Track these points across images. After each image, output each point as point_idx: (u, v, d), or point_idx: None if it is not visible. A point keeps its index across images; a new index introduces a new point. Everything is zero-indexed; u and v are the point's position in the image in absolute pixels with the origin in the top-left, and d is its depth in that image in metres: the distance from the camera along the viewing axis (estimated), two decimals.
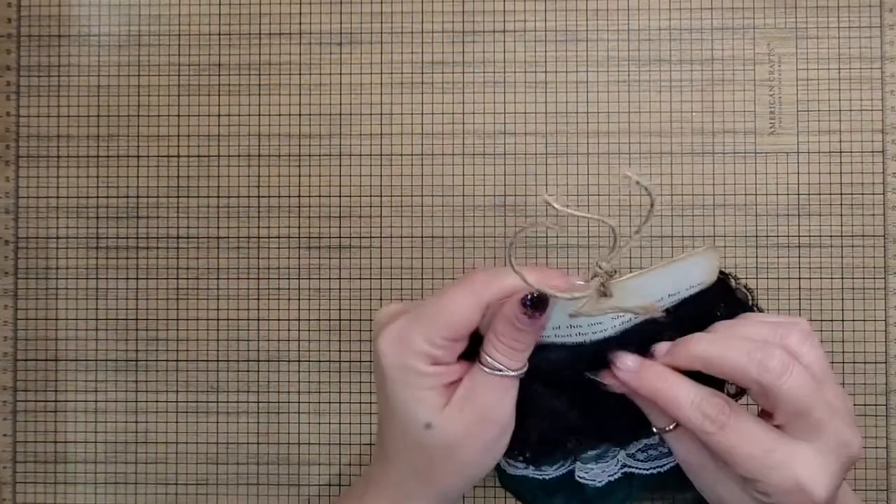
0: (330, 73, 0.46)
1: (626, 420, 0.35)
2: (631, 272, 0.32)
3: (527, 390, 0.34)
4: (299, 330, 0.46)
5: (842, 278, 0.45)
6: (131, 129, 0.46)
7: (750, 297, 0.37)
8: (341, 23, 0.46)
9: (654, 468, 0.37)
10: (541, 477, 0.38)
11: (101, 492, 0.46)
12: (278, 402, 0.46)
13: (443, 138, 0.46)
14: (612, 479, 0.37)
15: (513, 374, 0.32)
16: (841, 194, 0.45)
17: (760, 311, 0.37)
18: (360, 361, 0.46)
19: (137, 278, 0.46)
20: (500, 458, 0.34)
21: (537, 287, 0.30)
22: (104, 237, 0.46)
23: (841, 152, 0.45)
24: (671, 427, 0.34)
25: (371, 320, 0.45)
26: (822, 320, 0.45)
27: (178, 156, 0.46)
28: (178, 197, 0.46)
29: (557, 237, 0.45)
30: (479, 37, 0.46)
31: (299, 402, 0.46)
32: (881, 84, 0.45)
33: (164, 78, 0.46)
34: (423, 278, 0.45)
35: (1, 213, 0.46)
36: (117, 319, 0.46)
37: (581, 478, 0.37)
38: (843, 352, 0.45)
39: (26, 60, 0.46)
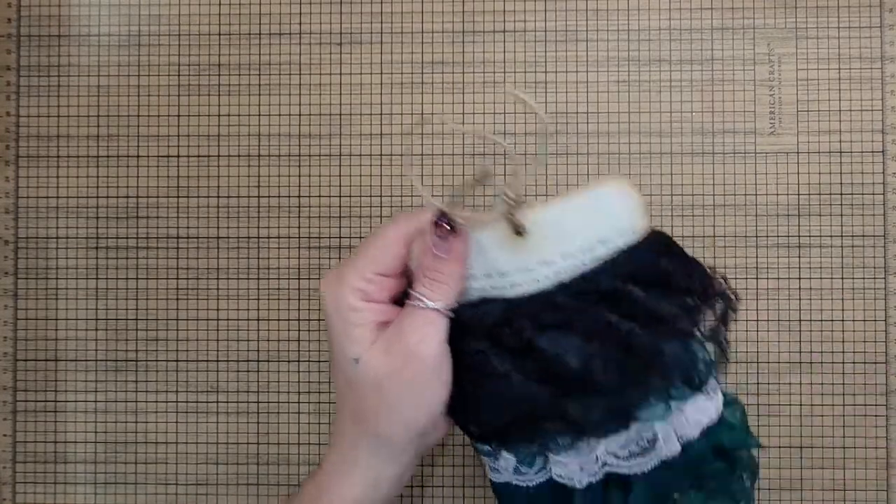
0: (330, 73, 0.46)
1: (598, 400, 0.34)
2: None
3: (471, 354, 0.34)
4: (299, 330, 0.46)
5: (842, 278, 0.45)
6: (131, 129, 0.46)
7: (726, 287, 0.36)
8: (341, 23, 0.46)
9: (639, 465, 0.36)
10: (524, 485, 0.37)
11: (101, 492, 0.46)
12: (278, 402, 0.46)
13: (443, 138, 0.46)
14: (593, 479, 0.35)
15: (434, 306, 0.33)
16: (841, 194, 0.45)
17: (735, 300, 0.37)
18: None
19: (137, 278, 0.46)
20: (439, 417, 0.34)
21: (446, 210, 0.32)
22: (104, 237, 0.46)
23: (841, 152, 0.45)
24: None
25: None
26: (822, 320, 0.45)
27: (178, 156, 0.46)
28: (178, 197, 0.46)
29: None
30: (479, 37, 0.46)
31: (299, 403, 0.46)
32: (881, 84, 0.45)
33: (164, 78, 0.46)
34: None
35: (1, 213, 0.46)
36: (117, 319, 0.46)
37: (558, 476, 0.36)
38: (843, 352, 0.45)
39: (26, 60, 0.46)
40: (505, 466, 0.36)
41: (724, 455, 0.37)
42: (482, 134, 0.32)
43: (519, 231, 0.33)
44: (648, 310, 0.33)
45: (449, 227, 0.33)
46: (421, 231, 0.34)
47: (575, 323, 0.33)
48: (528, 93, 0.46)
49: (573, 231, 0.33)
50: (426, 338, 0.33)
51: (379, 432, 0.34)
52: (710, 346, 0.35)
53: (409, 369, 0.33)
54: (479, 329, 0.34)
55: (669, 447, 0.35)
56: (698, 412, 0.35)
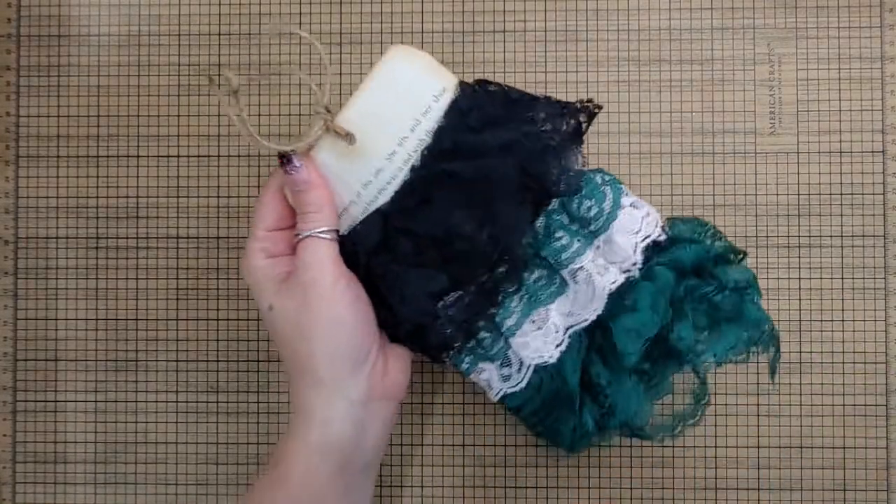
0: (330, 73, 0.46)
1: (481, 256, 0.35)
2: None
3: (373, 268, 0.36)
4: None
5: (842, 278, 0.45)
6: (131, 129, 0.46)
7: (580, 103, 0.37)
8: (341, 23, 0.46)
9: (591, 312, 0.36)
10: (518, 388, 0.37)
11: (101, 492, 0.46)
12: (278, 402, 0.46)
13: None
14: (560, 346, 0.36)
15: (314, 233, 0.35)
16: (841, 194, 0.45)
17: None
18: None
19: (137, 278, 0.46)
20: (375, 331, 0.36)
21: (276, 148, 0.35)
22: (104, 237, 0.46)
23: (841, 152, 0.45)
24: None
25: None
26: (822, 320, 0.45)
27: (178, 156, 0.46)
28: (178, 197, 0.46)
29: None
30: (479, 37, 0.46)
31: None
32: (881, 84, 0.45)
33: (164, 78, 0.46)
34: None
35: (1, 213, 0.46)
36: (117, 319, 0.46)
37: (531, 359, 0.36)
38: (843, 352, 0.45)
39: (26, 60, 0.46)
40: (488, 378, 0.38)
41: (702, 272, 0.37)
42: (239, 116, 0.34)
43: (348, 138, 0.35)
44: (487, 146, 0.35)
45: (289, 161, 0.35)
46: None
47: (433, 195, 0.35)
48: (530, 91, 0.46)
49: (392, 115, 0.35)
50: (316, 264, 0.35)
51: (308, 369, 0.35)
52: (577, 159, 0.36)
53: (310, 299, 0.34)
54: (369, 243, 0.36)
55: (607, 279, 0.36)
56: (624, 232, 0.36)
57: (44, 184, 0.46)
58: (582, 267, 0.36)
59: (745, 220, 0.45)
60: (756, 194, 0.45)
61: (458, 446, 0.45)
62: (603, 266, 0.36)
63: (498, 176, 0.35)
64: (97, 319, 0.46)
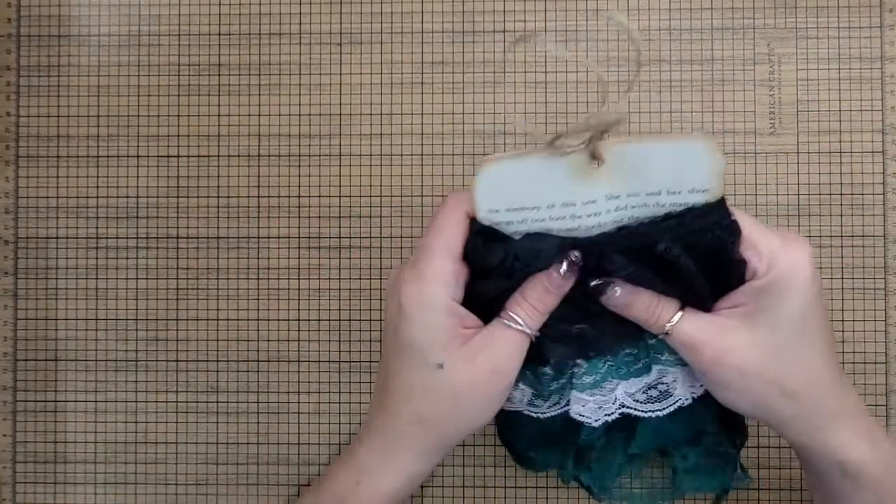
0: (330, 73, 0.46)
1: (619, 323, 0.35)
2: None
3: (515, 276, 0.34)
4: (299, 330, 0.46)
5: (842, 278, 0.45)
6: (131, 129, 0.46)
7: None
8: (341, 23, 0.46)
9: (654, 411, 0.37)
10: (535, 415, 0.38)
11: (101, 492, 0.46)
12: (278, 402, 0.46)
13: (443, 138, 0.46)
14: (608, 417, 0.37)
15: (529, 331, 0.34)
16: (841, 194, 0.45)
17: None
18: (360, 361, 0.46)
19: (137, 278, 0.46)
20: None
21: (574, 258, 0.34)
22: (104, 237, 0.46)
23: (841, 152, 0.45)
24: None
25: (371, 320, 0.45)
26: None
27: (178, 156, 0.46)
28: (178, 197, 0.46)
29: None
30: (479, 37, 0.46)
31: (299, 403, 0.46)
32: (881, 84, 0.45)
33: (164, 78, 0.46)
34: None
35: (1, 213, 0.46)
36: (117, 319, 0.46)
37: (577, 414, 0.37)
38: (843, 352, 0.45)
39: (26, 60, 0.46)
40: (520, 398, 0.37)
41: (721, 420, 0.39)
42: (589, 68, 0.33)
43: (598, 160, 0.32)
44: (687, 279, 0.34)
45: (573, 266, 0.33)
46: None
47: (630, 266, 0.34)
48: (530, 91, 0.46)
49: (648, 172, 0.33)
50: (512, 358, 0.34)
51: (445, 435, 0.34)
52: None
53: (490, 384, 0.33)
54: (533, 259, 0.34)
55: (682, 394, 0.37)
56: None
57: (44, 184, 0.46)
58: (673, 372, 0.37)
59: None
60: (756, 194, 0.45)
61: (458, 446, 0.45)
62: (686, 381, 0.37)
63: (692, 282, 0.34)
64: (97, 319, 0.46)
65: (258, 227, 0.46)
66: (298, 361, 0.46)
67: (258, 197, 0.46)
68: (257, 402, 0.46)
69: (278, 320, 0.46)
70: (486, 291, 0.34)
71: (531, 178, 0.32)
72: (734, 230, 0.34)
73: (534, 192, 0.32)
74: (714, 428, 0.39)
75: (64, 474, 0.46)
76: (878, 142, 0.45)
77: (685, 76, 0.45)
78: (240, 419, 0.46)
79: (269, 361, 0.46)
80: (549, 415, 0.38)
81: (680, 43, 0.46)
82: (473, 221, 0.33)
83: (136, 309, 0.46)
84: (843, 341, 0.45)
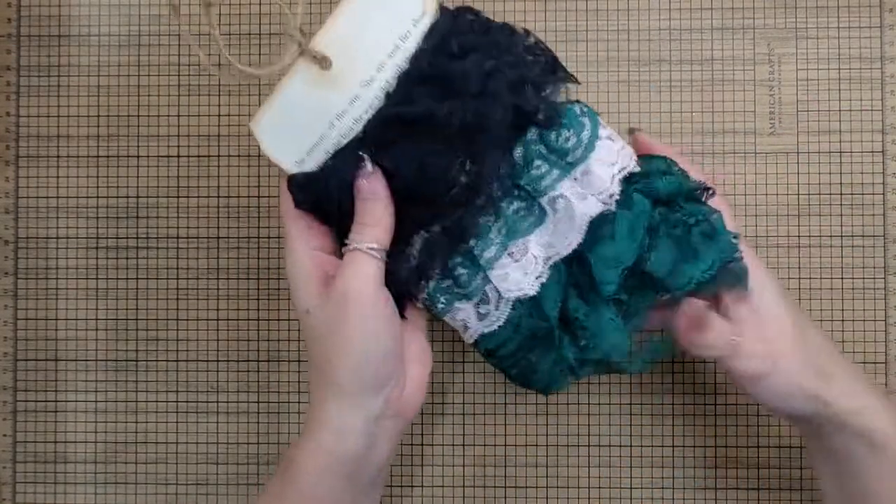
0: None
1: (449, 198, 0.34)
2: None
3: (347, 208, 0.35)
4: (299, 330, 0.46)
5: (842, 278, 0.45)
6: (131, 129, 0.46)
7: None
8: None
9: (567, 246, 0.36)
10: (495, 326, 0.36)
11: (101, 492, 0.46)
12: (278, 402, 0.46)
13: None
14: (541, 278, 0.36)
15: (362, 247, 0.34)
16: (841, 194, 0.45)
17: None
18: None
19: (137, 278, 0.46)
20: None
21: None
22: (104, 237, 0.46)
23: (841, 152, 0.45)
24: None
25: None
26: (822, 320, 0.45)
27: (178, 156, 0.46)
28: (178, 197, 0.46)
29: None
30: None
31: (299, 403, 0.46)
32: (881, 84, 0.45)
33: (164, 78, 0.46)
34: None
35: (1, 213, 0.46)
36: (117, 319, 0.46)
37: (510, 292, 0.36)
38: (843, 352, 0.45)
39: (26, 60, 0.46)
40: (467, 318, 0.37)
41: (671, 204, 0.37)
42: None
43: (324, 62, 0.33)
44: (468, 73, 0.34)
45: (363, 164, 0.34)
46: None
47: (408, 129, 0.34)
48: None
49: (369, 39, 0.34)
50: (357, 279, 0.34)
51: (334, 379, 0.34)
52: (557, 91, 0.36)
53: (345, 312, 0.34)
54: (343, 178, 0.34)
55: (588, 207, 0.35)
56: (601, 164, 0.35)
57: (44, 184, 0.46)
58: (562, 195, 0.35)
59: (744, 220, 0.45)
60: (756, 194, 0.45)
61: (458, 446, 0.45)
62: (581, 195, 0.35)
63: (484, 116, 0.34)
64: (97, 319, 0.46)
65: (258, 227, 0.46)
66: (299, 361, 0.46)
67: (258, 197, 0.46)
68: (257, 402, 0.46)
69: (278, 320, 0.46)
70: (342, 229, 0.35)
71: (294, 116, 0.34)
72: (471, 24, 0.35)
73: (309, 127, 0.34)
74: (667, 212, 0.37)
75: (64, 474, 0.46)
76: (878, 142, 0.45)
77: (685, 76, 0.45)
78: (240, 419, 0.46)
79: (269, 361, 0.46)
80: (502, 318, 0.36)
81: (680, 43, 0.46)
82: (289, 180, 0.35)
83: (136, 309, 0.46)
84: (843, 341, 0.45)
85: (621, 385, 0.45)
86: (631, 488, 0.45)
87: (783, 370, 0.36)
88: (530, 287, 0.36)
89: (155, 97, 0.46)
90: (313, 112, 0.34)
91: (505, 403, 0.45)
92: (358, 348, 0.34)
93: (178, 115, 0.46)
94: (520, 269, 0.36)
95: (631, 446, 0.45)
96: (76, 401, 0.46)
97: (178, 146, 0.46)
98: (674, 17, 0.46)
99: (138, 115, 0.46)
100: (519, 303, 0.36)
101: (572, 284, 0.36)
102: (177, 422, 0.46)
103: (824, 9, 0.45)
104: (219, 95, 0.46)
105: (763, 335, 0.36)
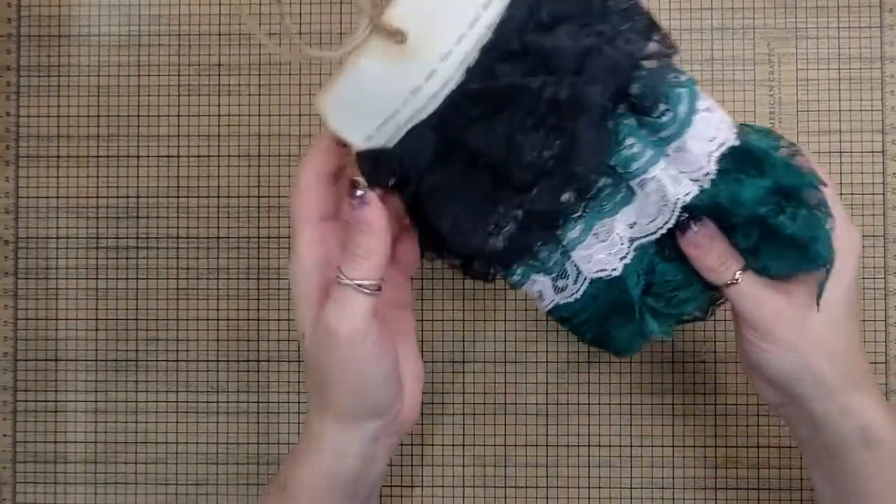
0: (330, 73, 0.46)
1: (547, 180, 0.31)
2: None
3: (418, 189, 0.31)
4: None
5: None
6: (131, 129, 0.46)
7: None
8: (341, 23, 0.46)
9: (665, 223, 0.33)
10: (572, 299, 0.34)
11: (101, 492, 0.46)
12: (278, 402, 0.46)
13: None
14: (626, 259, 0.33)
15: (352, 283, 0.31)
16: (841, 194, 0.45)
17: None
18: None
19: (137, 278, 0.46)
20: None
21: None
22: (104, 237, 0.46)
23: (841, 152, 0.45)
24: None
25: None
26: None
27: (178, 156, 0.46)
28: (178, 197, 0.46)
29: None
30: None
31: (299, 403, 0.46)
32: (881, 84, 0.45)
33: (164, 78, 0.46)
34: (422, 278, 0.45)
35: (1, 213, 0.46)
36: (117, 319, 0.46)
37: (593, 273, 0.33)
38: None
39: (26, 60, 0.46)
40: (543, 290, 0.35)
41: (779, 191, 0.33)
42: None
43: (398, 36, 0.29)
44: (562, 51, 0.30)
45: (356, 191, 0.31)
46: (322, 155, 0.33)
47: (494, 104, 0.30)
48: None
49: (449, 8, 0.30)
50: (344, 321, 0.32)
51: (331, 403, 0.34)
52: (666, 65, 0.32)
53: (334, 350, 0.32)
54: (422, 159, 0.31)
55: (680, 189, 0.32)
56: (698, 140, 0.32)
57: (44, 184, 0.46)
58: (654, 177, 0.32)
59: None
60: None
61: (458, 446, 0.45)
62: (674, 177, 0.32)
63: (581, 96, 0.30)
64: (97, 319, 0.46)
65: (258, 227, 0.46)
66: (299, 361, 0.46)
67: (258, 197, 0.46)
68: (257, 402, 0.46)
69: (278, 320, 0.46)
70: (418, 201, 0.32)
71: (365, 92, 0.31)
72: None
73: (381, 103, 0.31)
74: (773, 200, 0.33)
75: (64, 474, 0.46)
76: (878, 142, 0.45)
77: None
78: (240, 419, 0.46)
79: (269, 361, 0.46)
80: (581, 290, 0.34)
81: (680, 43, 0.45)
82: (358, 156, 0.32)
83: (136, 309, 0.46)
84: None
85: (621, 385, 0.45)
86: (631, 488, 0.45)
87: (797, 338, 0.34)
88: (614, 268, 0.34)
89: (155, 97, 0.46)
90: (386, 88, 0.31)
91: (505, 403, 0.45)
92: (350, 384, 0.33)
93: (178, 115, 0.46)
94: (605, 249, 0.33)
95: (631, 446, 0.45)
96: (76, 401, 0.46)
97: (178, 146, 0.46)
98: (674, 17, 0.46)
99: (138, 115, 0.46)
100: (599, 277, 0.34)
101: (664, 259, 0.35)
102: (177, 422, 0.46)
103: (824, 9, 0.45)
104: (219, 95, 0.46)
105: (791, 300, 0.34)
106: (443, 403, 0.45)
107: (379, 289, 0.32)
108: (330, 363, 0.32)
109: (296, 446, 0.36)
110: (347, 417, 0.34)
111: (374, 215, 0.31)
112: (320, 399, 0.34)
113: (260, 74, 0.46)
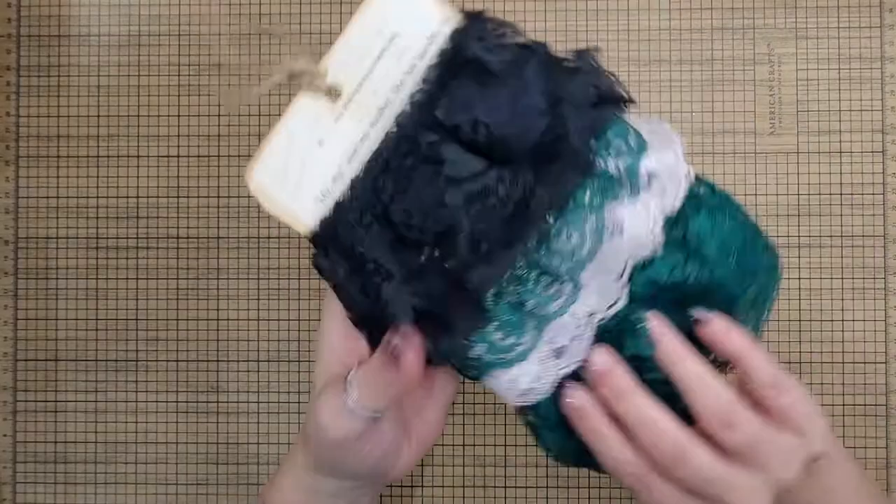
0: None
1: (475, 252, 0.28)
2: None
3: (359, 265, 0.29)
4: (299, 330, 0.46)
5: (842, 278, 0.45)
6: (131, 129, 0.46)
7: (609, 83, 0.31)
8: (341, 23, 0.46)
9: (610, 304, 0.29)
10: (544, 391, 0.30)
11: (101, 492, 0.46)
12: (278, 402, 0.46)
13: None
14: (589, 341, 0.29)
15: (357, 408, 0.30)
16: (841, 194, 0.45)
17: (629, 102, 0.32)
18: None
19: (137, 278, 0.46)
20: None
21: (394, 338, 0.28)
22: (104, 237, 0.46)
23: (841, 152, 0.45)
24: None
25: None
26: (822, 320, 0.45)
27: (178, 156, 0.46)
28: (178, 197, 0.46)
29: None
30: None
31: (299, 403, 0.46)
32: (881, 84, 0.45)
33: (164, 78, 0.46)
34: None
35: (1, 213, 0.46)
36: (117, 319, 0.46)
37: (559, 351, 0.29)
38: (843, 352, 0.45)
39: (26, 60, 0.46)
40: (538, 376, 0.31)
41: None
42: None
43: (330, 92, 0.29)
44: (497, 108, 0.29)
45: (395, 343, 0.29)
46: None
47: (411, 169, 0.29)
48: None
49: (372, 54, 0.29)
50: (335, 425, 0.30)
51: (314, 456, 0.33)
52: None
53: (320, 433, 0.31)
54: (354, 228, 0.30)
55: (639, 246, 0.29)
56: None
57: (44, 184, 0.46)
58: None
59: None
60: (756, 194, 0.45)
61: (458, 446, 0.45)
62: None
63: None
64: (97, 319, 0.46)
65: (258, 227, 0.46)
66: (298, 361, 0.46)
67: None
68: (257, 402, 0.46)
69: (278, 320, 0.46)
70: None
71: (305, 149, 0.30)
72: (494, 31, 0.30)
73: (324, 161, 0.30)
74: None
75: (64, 474, 0.46)
76: (878, 142, 0.45)
77: (685, 76, 0.45)
78: (240, 419, 0.46)
79: (268, 361, 0.46)
80: (526, 350, 0.29)
81: (680, 43, 0.46)
82: (312, 242, 0.30)
83: (136, 309, 0.46)
84: (843, 341, 0.45)
85: None
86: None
87: None
88: (585, 351, 0.30)
89: (155, 97, 0.46)
90: (329, 145, 0.30)
91: (505, 403, 0.45)
92: (334, 461, 0.32)
93: (178, 115, 0.46)
94: (568, 335, 0.30)
95: None
96: (76, 401, 0.46)
97: (178, 146, 0.46)
98: (674, 17, 0.46)
99: (138, 115, 0.46)
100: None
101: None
102: (177, 422, 0.46)
103: (824, 9, 0.45)
104: (219, 95, 0.46)
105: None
106: None
107: (379, 415, 0.30)
108: (317, 440, 0.32)
109: (276, 471, 0.36)
110: (327, 473, 0.33)
111: (406, 366, 0.29)
112: (307, 448, 0.33)
113: (259, 75, 0.46)
